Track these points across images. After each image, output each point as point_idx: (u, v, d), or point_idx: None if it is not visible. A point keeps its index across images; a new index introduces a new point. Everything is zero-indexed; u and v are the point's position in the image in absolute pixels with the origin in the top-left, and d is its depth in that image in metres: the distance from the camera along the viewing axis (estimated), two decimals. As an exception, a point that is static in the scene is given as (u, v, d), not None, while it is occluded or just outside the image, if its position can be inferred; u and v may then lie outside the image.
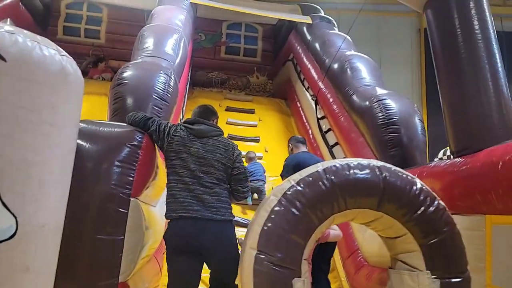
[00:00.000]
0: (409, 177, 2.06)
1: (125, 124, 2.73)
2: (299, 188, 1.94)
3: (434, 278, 1.97)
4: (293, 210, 1.89)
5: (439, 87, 3.04)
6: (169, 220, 2.47)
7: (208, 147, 2.51)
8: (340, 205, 1.97)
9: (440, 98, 3.03)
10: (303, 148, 3.57)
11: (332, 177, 1.96)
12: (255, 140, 6.54)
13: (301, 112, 6.92)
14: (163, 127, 2.60)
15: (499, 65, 2.75)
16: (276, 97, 8.44)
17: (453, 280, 1.98)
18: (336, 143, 5.17)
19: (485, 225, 2.42)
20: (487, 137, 2.60)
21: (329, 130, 5.42)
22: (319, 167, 2.04)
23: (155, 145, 2.74)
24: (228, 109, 7.17)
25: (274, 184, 5.27)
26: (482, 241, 2.37)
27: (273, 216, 1.89)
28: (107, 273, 2.28)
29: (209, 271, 2.49)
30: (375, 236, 3.60)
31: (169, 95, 3.77)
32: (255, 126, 6.95)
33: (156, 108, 3.51)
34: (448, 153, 7.08)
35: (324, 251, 2.90)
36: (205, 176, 2.41)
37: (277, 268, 1.83)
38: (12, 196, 0.94)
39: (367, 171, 2.02)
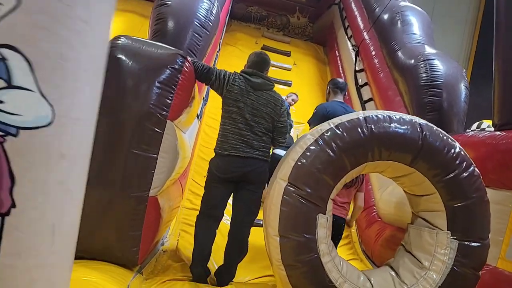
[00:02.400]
0: (449, 140, 2.03)
1: (168, 46, 2.71)
2: (337, 131, 1.95)
3: (453, 238, 2.01)
4: (328, 151, 1.92)
5: (494, 55, 2.85)
6: (217, 154, 2.81)
7: (262, 100, 2.80)
8: (374, 155, 1.98)
9: (494, 65, 2.84)
10: (339, 97, 3.40)
11: (372, 126, 1.95)
12: (287, 84, 6.43)
13: (339, 61, 6.68)
14: (222, 76, 2.81)
15: None
16: (315, 42, 8.13)
17: (472, 244, 2.01)
18: (370, 99, 5.03)
19: (513, 201, 2.39)
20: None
21: (365, 84, 5.25)
22: (360, 114, 2.03)
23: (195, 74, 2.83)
24: (264, 47, 6.98)
25: (302, 132, 5.28)
26: (506, 216, 2.36)
27: (308, 153, 1.93)
28: (138, 186, 2.42)
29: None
30: (394, 196, 3.65)
31: (210, 24, 3.68)
32: (289, 69, 6.79)
33: (196, 35, 3.45)
34: (482, 126, 6.83)
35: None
36: (256, 126, 2.76)
37: (304, 202, 1.91)
38: (49, 87, 0.98)
39: (408, 126, 1.99)
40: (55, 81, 0.99)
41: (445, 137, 2.01)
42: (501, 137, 2.62)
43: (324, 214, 1.94)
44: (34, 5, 0.94)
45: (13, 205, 0.95)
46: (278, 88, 6.02)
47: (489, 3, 9.40)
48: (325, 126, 2.01)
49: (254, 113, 2.75)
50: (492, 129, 7.35)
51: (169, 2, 3.42)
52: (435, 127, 2.04)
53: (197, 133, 4.53)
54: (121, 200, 2.38)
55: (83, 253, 2.29)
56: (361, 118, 1.99)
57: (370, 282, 2.02)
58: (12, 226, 0.96)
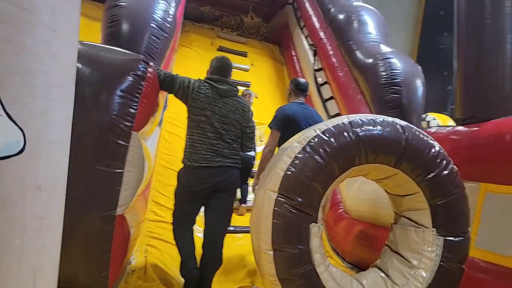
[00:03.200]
0: (429, 139, 2.07)
1: (128, 52, 2.52)
2: (324, 137, 1.92)
3: (439, 235, 2.05)
4: (317, 157, 1.88)
5: (456, 52, 2.97)
6: (186, 166, 2.70)
7: (230, 107, 2.74)
8: (361, 159, 1.97)
9: (456, 62, 2.97)
10: (301, 98, 3.35)
11: (357, 130, 1.94)
12: (246, 85, 6.35)
13: (296, 61, 6.71)
14: (186, 84, 2.72)
15: (520, 37, 2.69)
16: (270, 42, 8.13)
17: (456, 239, 2.06)
18: (331, 97, 5.10)
19: (478, 192, 2.50)
20: (495, 108, 2.60)
21: (325, 83, 5.32)
22: (345, 119, 2.01)
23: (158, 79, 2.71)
24: (221, 49, 6.86)
25: (264, 133, 5.24)
26: (473, 206, 2.46)
27: (296, 161, 1.88)
28: (104, 205, 2.21)
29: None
30: (362, 192, 3.71)
31: (168, 25, 3.49)
32: (246, 70, 6.72)
33: (154, 38, 3.25)
34: (427, 118, 7.22)
35: None
36: (226, 133, 2.69)
37: (296, 212, 1.85)
38: (17, 107, 0.83)
39: (391, 128, 2.00)
40: (23, 100, 0.83)
41: (425, 137, 2.05)
42: (464, 132, 2.73)
43: (316, 222, 1.90)
44: (-9, 14, 0.78)
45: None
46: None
47: (428, 3, 10.01)
48: (311, 132, 1.96)
49: (223, 121, 2.69)
50: (437, 121, 7.79)
51: (123, 3, 3.18)
52: (414, 128, 2.07)
53: (158, 141, 4.32)
54: (86, 222, 2.16)
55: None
56: (346, 122, 1.97)
57: (363, 287, 2.01)
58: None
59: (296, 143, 1.93)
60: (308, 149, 1.88)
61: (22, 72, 0.83)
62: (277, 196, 1.86)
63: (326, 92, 5.26)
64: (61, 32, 0.93)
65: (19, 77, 0.83)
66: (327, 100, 5.21)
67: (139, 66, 2.40)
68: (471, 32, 2.82)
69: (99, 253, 2.21)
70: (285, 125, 3.07)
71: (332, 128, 1.93)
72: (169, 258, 3.18)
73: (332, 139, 1.90)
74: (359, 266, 3.53)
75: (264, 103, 6.06)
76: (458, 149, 2.73)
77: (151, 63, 2.57)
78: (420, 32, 10.01)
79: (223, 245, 2.77)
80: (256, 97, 6.09)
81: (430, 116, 6.95)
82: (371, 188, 3.18)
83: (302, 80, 3.50)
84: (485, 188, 2.51)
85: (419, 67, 4.08)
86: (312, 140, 1.90)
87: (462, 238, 2.07)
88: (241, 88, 6.10)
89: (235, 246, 3.67)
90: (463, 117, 2.82)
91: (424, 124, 6.53)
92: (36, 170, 0.88)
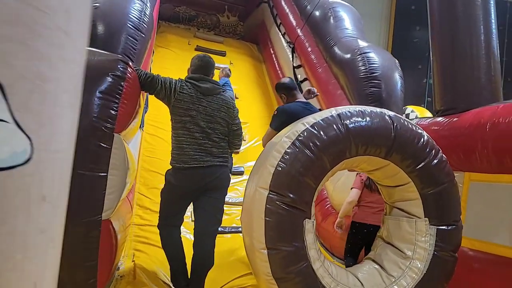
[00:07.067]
0: (417, 129, 2.08)
1: (106, 52, 2.45)
2: (313, 131, 1.89)
3: (431, 225, 2.07)
4: (307, 152, 1.86)
5: (431, 44, 3.04)
6: (175, 168, 2.65)
7: (214, 105, 2.69)
8: (351, 151, 1.96)
9: (431, 55, 3.04)
10: (298, 96, 3.06)
11: (347, 123, 1.92)
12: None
13: (274, 59, 6.72)
14: (168, 84, 2.66)
15: (494, 26, 2.78)
16: (247, 41, 8.11)
17: (448, 227, 2.08)
18: (311, 94, 5.12)
19: (463, 181, 2.56)
20: (474, 99, 2.67)
21: (305, 79, 5.34)
22: (333, 111, 1.99)
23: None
24: (198, 49, 6.78)
25: (248, 131, 5.21)
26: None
27: (287, 157, 1.85)
28: (90, 210, 2.14)
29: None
30: (348, 186, 3.74)
31: (145, 26, 3.41)
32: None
33: (131, 39, 3.17)
34: (406, 111, 7.40)
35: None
36: (213, 132, 2.65)
37: (289, 209, 1.83)
38: (26, 115, 0.78)
39: (380, 119, 2.00)
40: (33, 107, 0.78)
41: (413, 127, 2.06)
42: (444, 123, 2.79)
43: (310, 218, 1.88)
44: (4, 13, 0.73)
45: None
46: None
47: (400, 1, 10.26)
48: (299, 127, 1.94)
49: (208, 120, 2.65)
50: (416, 113, 7.94)
51: (97, 4, 3.10)
52: (402, 118, 2.08)
53: (140, 143, 4.23)
54: (70, 228, 2.07)
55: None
56: (334, 115, 1.96)
57: (359, 280, 2.01)
58: (-12, 293, 0.74)
59: (285, 138, 1.91)
60: (297, 143, 1.86)
61: (33, 78, 0.78)
62: (269, 193, 1.83)
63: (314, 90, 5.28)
64: (73, 36, 0.89)
65: (30, 82, 0.78)
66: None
67: (118, 66, 2.34)
68: (445, 24, 2.89)
69: (86, 260, 2.14)
70: (285, 125, 2.67)
71: (320, 122, 1.92)
72: (157, 262, 3.12)
73: (321, 132, 1.88)
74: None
75: (244, 101, 6.04)
76: (439, 139, 2.75)
77: (130, 63, 2.51)
78: (393, 27, 10.23)
79: (214, 245, 2.72)
80: (237, 97, 6.07)
81: (409, 108, 7.14)
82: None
83: (284, 79, 3.24)
84: (469, 177, 2.57)
85: (396, 61, 4.15)
86: (301, 135, 1.88)
87: (454, 226, 2.09)
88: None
89: (224, 244, 3.64)
90: (443, 108, 2.89)
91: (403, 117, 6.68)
92: (41, 181, 0.83)
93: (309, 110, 2.85)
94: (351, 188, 2.99)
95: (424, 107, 7.95)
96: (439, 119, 2.89)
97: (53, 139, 0.87)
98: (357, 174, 2.98)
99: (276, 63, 6.62)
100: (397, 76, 3.96)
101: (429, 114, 6.76)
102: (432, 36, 3.02)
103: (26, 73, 0.78)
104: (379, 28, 10.28)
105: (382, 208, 2.85)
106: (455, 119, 2.69)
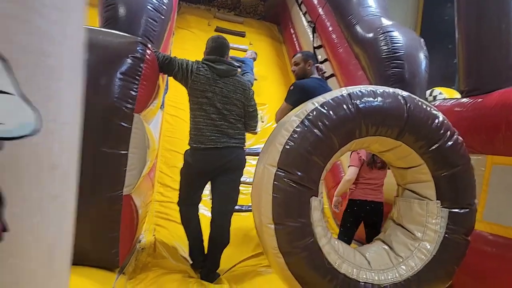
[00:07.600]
0: (432, 110, 2.03)
1: (126, 34, 2.49)
2: (323, 110, 1.88)
3: (443, 207, 2.04)
4: (316, 131, 1.86)
5: (457, 23, 2.92)
6: (193, 148, 2.73)
7: (230, 86, 2.73)
8: (361, 132, 1.94)
9: (457, 34, 2.92)
10: (316, 73, 3.14)
11: (357, 102, 1.90)
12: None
13: (295, 39, 6.62)
14: (184, 66, 2.70)
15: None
16: (268, 21, 7.99)
17: (461, 211, 2.05)
18: (332, 75, 5.04)
19: (485, 164, 2.50)
20: (500, 79, 2.57)
21: (325, 60, 5.25)
22: (343, 91, 1.97)
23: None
24: (218, 29, 6.74)
25: (267, 113, 5.21)
26: (479, 179, 2.45)
27: (295, 135, 1.86)
28: (111, 185, 2.26)
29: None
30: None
31: (164, 7, 3.44)
32: (245, 50, 6.61)
33: (151, 20, 3.21)
34: (434, 93, 7.13)
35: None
36: (229, 113, 2.70)
37: (296, 186, 1.85)
38: (32, 89, 0.83)
39: (392, 99, 1.96)
40: (38, 82, 0.83)
41: (428, 108, 2.02)
42: (468, 104, 2.71)
43: (317, 196, 1.90)
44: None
45: (5, 229, 0.80)
46: (237, 70, 5.94)
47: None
48: (309, 106, 1.93)
49: (225, 101, 2.69)
50: (444, 95, 7.63)
51: (118, -13, 3.13)
52: (417, 98, 2.03)
53: (160, 124, 4.32)
54: (94, 203, 2.21)
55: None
56: (345, 94, 1.93)
57: (366, 259, 2.03)
58: (6, 252, 0.81)
59: (294, 117, 1.91)
60: (306, 122, 1.85)
61: (37, 53, 0.82)
62: (277, 171, 1.85)
63: (327, 69, 5.19)
64: (69, 12, 0.93)
65: (34, 58, 0.82)
66: (327, 78, 5.14)
67: (138, 48, 2.39)
68: (470, 4, 2.75)
69: (109, 231, 2.28)
70: (300, 102, 2.81)
71: (330, 101, 1.90)
72: (176, 237, 3.25)
73: (331, 112, 1.87)
74: (364, 243, 3.57)
75: (263, 82, 6.01)
76: (461, 120, 2.71)
77: (149, 45, 2.55)
78: (422, 4, 9.75)
79: (230, 224, 2.80)
80: (255, 79, 6.03)
81: (437, 90, 6.83)
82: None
83: (305, 51, 3.23)
84: (491, 161, 2.50)
85: (422, 40, 4.01)
86: (310, 114, 1.87)
87: (467, 210, 2.05)
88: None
89: (240, 223, 3.71)
90: (467, 89, 2.80)
91: (430, 99, 6.44)
92: (51, 150, 0.89)
93: (324, 88, 2.86)
94: (349, 166, 2.94)
95: (454, 88, 7.65)
96: (463, 100, 2.80)
97: (61, 111, 0.92)
98: (352, 151, 2.90)
99: (296, 44, 6.51)
100: (422, 56, 3.83)
101: (458, 96, 6.49)
102: (458, 12, 2.90)
103: (29, 48, 0.82)
104: (407, 5, 9.82)
105: (381, 183, 2.89)
106: (479, 100, 2.61)
